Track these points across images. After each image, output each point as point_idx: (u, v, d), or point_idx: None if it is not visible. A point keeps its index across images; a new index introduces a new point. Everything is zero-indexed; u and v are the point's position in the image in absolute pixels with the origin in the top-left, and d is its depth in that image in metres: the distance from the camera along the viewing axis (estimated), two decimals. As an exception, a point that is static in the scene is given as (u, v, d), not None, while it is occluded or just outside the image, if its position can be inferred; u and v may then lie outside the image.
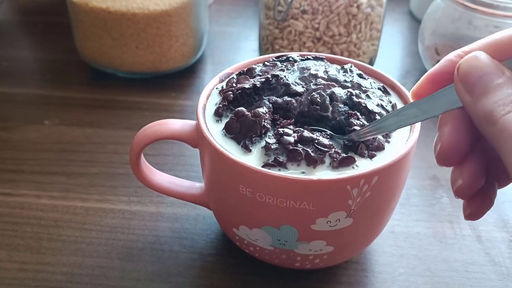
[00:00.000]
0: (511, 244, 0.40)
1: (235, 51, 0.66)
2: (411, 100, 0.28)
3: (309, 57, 0.37)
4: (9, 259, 0.38)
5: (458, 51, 0.25)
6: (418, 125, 0.32)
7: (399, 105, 0.35)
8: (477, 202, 0.27)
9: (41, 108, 0.55)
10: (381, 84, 0.36)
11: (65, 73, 0.61)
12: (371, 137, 0.30)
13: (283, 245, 0.32)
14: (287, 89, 0.33)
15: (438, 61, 0.57)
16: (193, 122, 0.34)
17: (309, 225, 0.30)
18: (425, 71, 0.61)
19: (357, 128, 0.31)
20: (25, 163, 0.47)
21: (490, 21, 0.51)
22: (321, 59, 0.37)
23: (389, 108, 0.34)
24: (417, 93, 0.27)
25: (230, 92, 0.34)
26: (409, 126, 0.32)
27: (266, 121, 0.31)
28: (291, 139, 0.30)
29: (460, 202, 0.28)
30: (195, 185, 0.38)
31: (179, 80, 0.59)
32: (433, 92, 0.26)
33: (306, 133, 0.30)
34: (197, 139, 0.34)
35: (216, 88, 0.36)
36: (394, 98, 0.36)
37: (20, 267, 0.37)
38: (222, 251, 0.39)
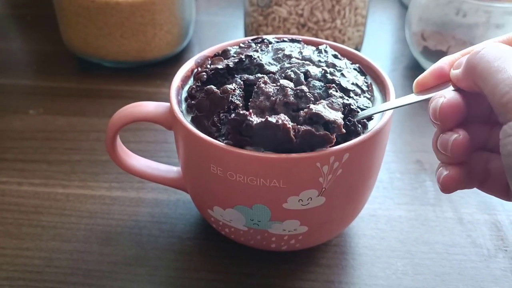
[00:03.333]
0: (493, 226, 0.40)
1: (222, 40, 0.64)
2: (390, 88, 0.32)
3: (285, 39, 0.37)
4: (-12, 245, 0.38)
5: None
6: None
7: (375, 86, 0.35)
8: (461, 169, 0.26)
9: (27, 98, 0.55)
10: (357, 65, 0.36)
11: (52, 64, 0.61)
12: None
13: (256, 225, 0.32)
14: (260, 69, 0.33)
15: (425, 46, 0.57)
16: (167, 104, 0.34)
17: (280, 203, 0.30)
18: (413, 57, 0.61)
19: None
20: (8, 151, 0.47)
21: (479, 6, 0.51)
22: (297, 41, 0.37)
23: (364, 87, 0.34)
24: (421, 83, 0.28)
25: (204, 73, 0.33)
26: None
27: (234, 96, 0.31)
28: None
29: None
30: (173, 169, 0.38)
31: (165, 68, 0.59)
32: (433, 85, 0.28)
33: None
34: (171, 120, 0.33)
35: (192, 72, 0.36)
36: (370, 79, 0.35)
37: (-1, 252, 0.37)
38: (201, 235, 0.39)
